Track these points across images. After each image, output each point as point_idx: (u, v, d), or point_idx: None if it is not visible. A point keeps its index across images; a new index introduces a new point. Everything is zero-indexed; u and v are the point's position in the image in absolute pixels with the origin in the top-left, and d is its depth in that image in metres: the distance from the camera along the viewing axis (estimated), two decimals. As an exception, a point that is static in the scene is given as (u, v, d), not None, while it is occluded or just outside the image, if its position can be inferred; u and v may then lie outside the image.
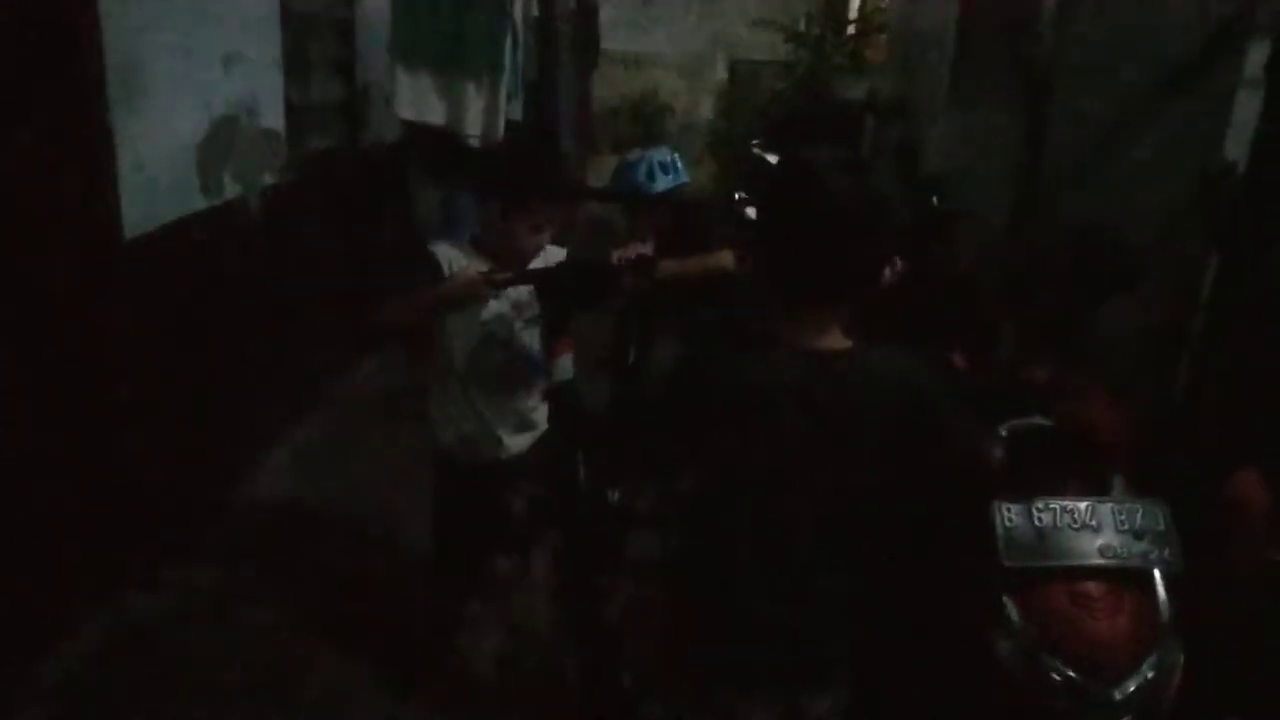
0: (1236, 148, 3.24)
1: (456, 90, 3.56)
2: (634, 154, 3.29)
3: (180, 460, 3.02)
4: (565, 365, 2.73)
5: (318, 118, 3.99)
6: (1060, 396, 2.09)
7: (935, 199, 5.21)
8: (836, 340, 1.43)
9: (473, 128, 3.61)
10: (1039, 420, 2.09)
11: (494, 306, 2.20)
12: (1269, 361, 2.09)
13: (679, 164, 3.23)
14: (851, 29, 8.88)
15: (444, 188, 4.09)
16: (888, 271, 1.40)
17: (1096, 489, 2.03)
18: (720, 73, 11.32)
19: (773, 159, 6.99)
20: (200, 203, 3.06)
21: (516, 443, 2.33)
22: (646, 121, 10.98)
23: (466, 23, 3.43)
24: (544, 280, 2.17)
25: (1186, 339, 3.20)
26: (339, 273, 4.16)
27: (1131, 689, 1.84)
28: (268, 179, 3.49)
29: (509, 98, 3.59)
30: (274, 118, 3.53)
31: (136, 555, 2.82)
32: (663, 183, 3.16)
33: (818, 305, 1.42)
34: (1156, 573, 1.95)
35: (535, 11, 3.58)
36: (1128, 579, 1.94)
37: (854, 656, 1.55)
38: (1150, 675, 1.86)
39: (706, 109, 11.27)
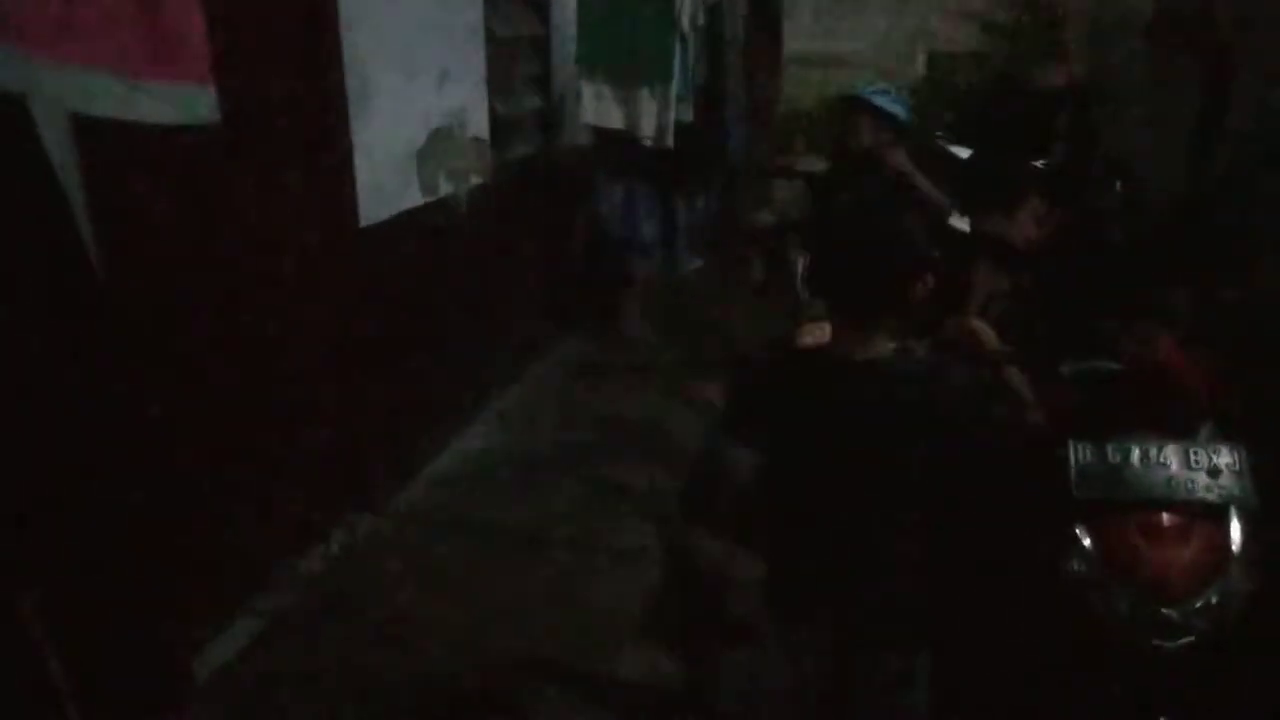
0: None
1: (632, 98, 4.05)
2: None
3: (402, 411, 3.69)
4: None
5: (518, 126, 4.60)
6: (1129, 344, 2.23)
7: (1119, 183, 5.17)
8: (878, 348, 1.65)
9: (647, 130, 4.07)
10: (1106, 364, 2.25)
11: None
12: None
13: (903, 103, 3.79)
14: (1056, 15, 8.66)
15: (625, 185, 4.61)
16: (920, 288, 1.62)
17: (1181, 433, 2.17)
18: (919, 68, 11.22)
19: (956, 149, 7.03)
20: (420, 199, 3.72)
21: None
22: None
23: (639, 38, 3.90)
24: None
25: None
26: (537, 258, 4.77)
27: (1192, 611, 1.99)
28: (475, 180, 4.12)
29: (678, 101, 4.02)
30: (480, 127, 4.15)
31: (358, 485, 3.50)
32: (883, 101, 3.70)
33: (855, 320, 1.67)
34: (1232, 508, 2.08)
35: (701, 22, 3.97)
36: (1202, 513, 2.08)
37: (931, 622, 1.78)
38: (1214, 600, 2.00)
39: (903, 104, 11.20)
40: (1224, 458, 2.08)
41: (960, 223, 4.39)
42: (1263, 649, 2.08)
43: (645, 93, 4.02)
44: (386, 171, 3.45)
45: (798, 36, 9.85)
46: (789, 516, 1.80)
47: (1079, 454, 2.14)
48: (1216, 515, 2.07)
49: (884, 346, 1.66)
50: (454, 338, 4.04)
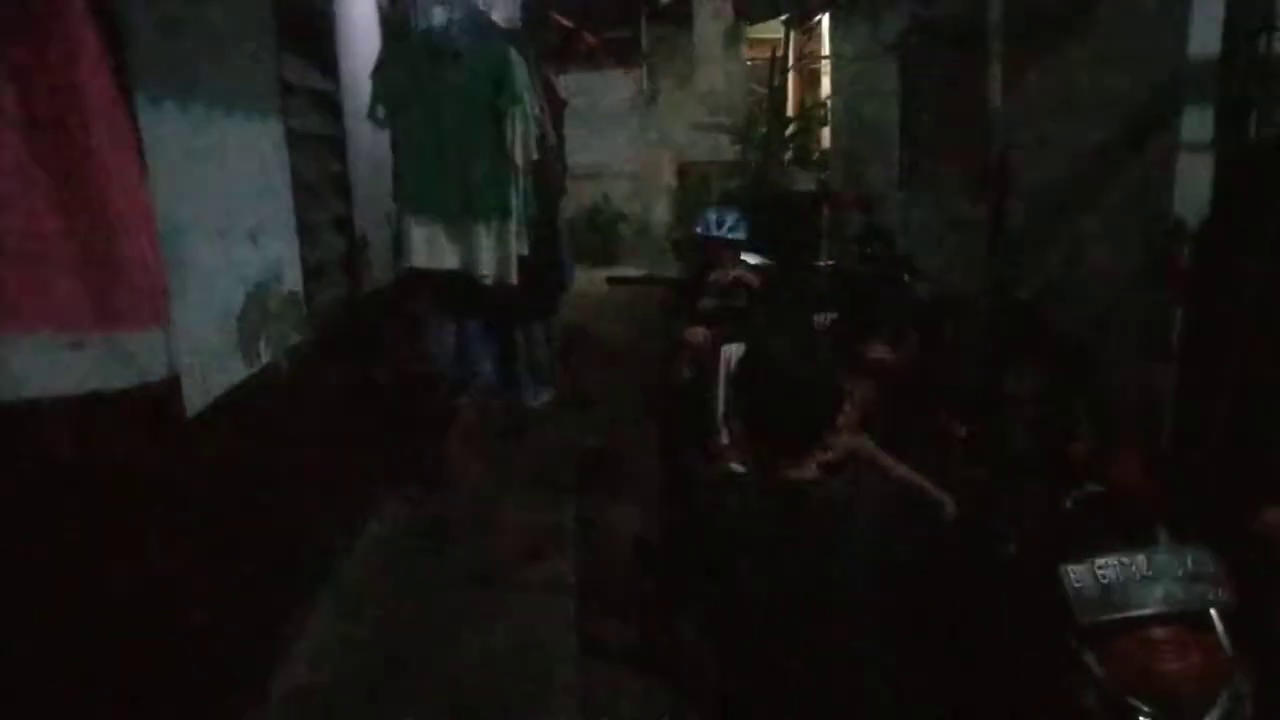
0: (1182, 205, 3.57)
1: (468, 236, 3.79)
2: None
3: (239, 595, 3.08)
4: None
5: (328, 272, 4.17)
6: (1103, 464, 2.28)
7: (906, 276, 5.51)
8: (807, 470, 1.72)
9: (486, 269, 3.81)
10: (1095, 487, 2.29)
11: None
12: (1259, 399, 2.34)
13: (740, 224, 4.02)
14: (792, 126, 9.41)
15: (456, 322, 4.29)
16: (842, 413, 1.79)
17: (1146, 542, 2.21)
18: (668, 177, 11.77)
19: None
20: (243, 371, 3.20)
21: None
22: (602, 230, 11.33)
23: (472, 173, 3.67)
24: None
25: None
26: (360, 413, 4.29)
27: (1210, 724, 1.99)
28: (294, 338, 3.64)
29: (517, 236, 3.82)
30: (294, 279, 3.69)
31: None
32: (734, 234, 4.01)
33: (790, 445, 1.73)
34: (1214, 612, 2.13)
35: (535, 155, 3.83)
36: (1189, 621, 2.11)
37: None
38: (1228, 706, 2.01)
39: (661, 212, 11.67)
40: (1197, 562, 2.13)
41: None
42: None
43: (482, 229, 3.78)
44: (209, 347, 2.93)
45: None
46: (746, 649, 1.74)
47: (1073, 578, 2.12)
48: (1203, 621, 2.11)
49: (810, 468, 1.73)
50: (293, 517, 3.48)
